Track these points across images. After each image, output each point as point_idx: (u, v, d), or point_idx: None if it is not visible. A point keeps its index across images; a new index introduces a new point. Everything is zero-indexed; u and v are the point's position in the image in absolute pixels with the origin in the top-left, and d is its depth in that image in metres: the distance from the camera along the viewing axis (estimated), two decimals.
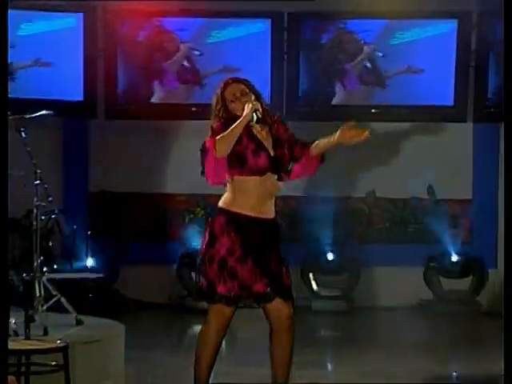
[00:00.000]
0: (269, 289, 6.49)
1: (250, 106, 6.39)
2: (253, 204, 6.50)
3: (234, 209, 6.52)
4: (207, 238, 6.69)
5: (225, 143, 6.38)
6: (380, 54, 12.15)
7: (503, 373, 4.69)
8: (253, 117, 6.39)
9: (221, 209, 6.59)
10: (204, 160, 6.54)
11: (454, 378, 9.12)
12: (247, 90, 6.55)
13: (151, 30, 12.22)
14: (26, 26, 12.06)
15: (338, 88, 12.17)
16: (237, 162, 6.51)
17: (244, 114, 6.38)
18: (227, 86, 6.58)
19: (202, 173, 6.55)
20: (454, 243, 12.08)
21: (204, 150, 6.53)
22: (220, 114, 6.55)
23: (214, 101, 6.60)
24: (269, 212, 6.54)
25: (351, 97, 12.17)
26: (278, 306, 6.52)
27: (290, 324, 6.58)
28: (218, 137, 6.36)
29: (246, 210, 6.49)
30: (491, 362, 9.53)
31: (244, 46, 12.28)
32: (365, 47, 12.16)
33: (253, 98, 6.51)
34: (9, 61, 11.56)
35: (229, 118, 6.47)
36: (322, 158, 6.60)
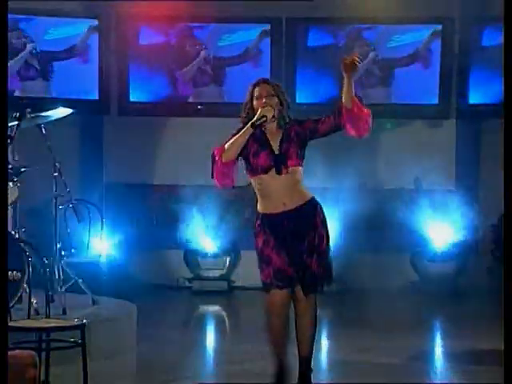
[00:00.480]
0: (295, 273, 6.50)
1: (259, 111, 6.43)
2: (273, 202, 6.54)
3: (262, 210, 6.60)
4: (255, 239, 6.66)
5: (230, 150, 6.45)
6: (377, 57, 12.19)
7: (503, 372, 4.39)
8: (260, 121, 6.40)
9: (257, 212, 6.65)
10: (213, 165, 6.55)
11: (437, 353, 9.16)
12: (273, 92, 6.54)
13: (160, 33, 12.22)
14: (41, 28, 12.07)
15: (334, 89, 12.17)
16: (245, 164, 6.61)
17: (254, 119, 6.41)
18: (256, 86, 6.61)
19: (212, 176, 6.57)
20: (439, 230, 12.12)
21: (213, 157, 6.54)
22: (246, 110, 6.57)
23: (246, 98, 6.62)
24: (294, 202, 6.50)
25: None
26: (299, 291, 6.54)
27: (307, 308, 6.60)
28: (226, 145, 6.43)
29: (269, 209, 6.55)
30: (472, 337, 9.61)
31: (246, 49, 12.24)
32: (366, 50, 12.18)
33: (276, 100, 6.51)
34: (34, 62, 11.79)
35: (253, 114, 6.48)
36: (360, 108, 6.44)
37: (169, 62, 12.25)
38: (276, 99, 6.52)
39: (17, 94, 11.61)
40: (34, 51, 11.96)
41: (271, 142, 6.54)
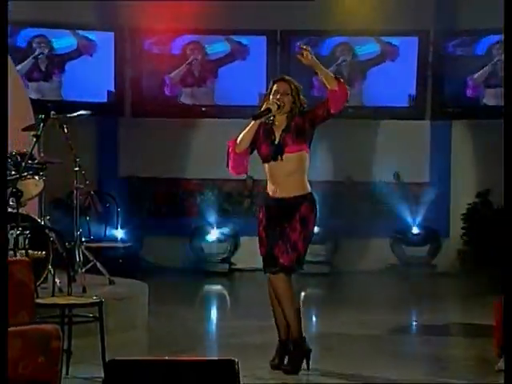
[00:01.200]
0: (270, 258, 6.47)
1: (264, 106, 6.44)
2: (271, 186, 6.54)
3: (267, 189, 6.59)
4: (257, 218, 6.69)
5: (241, 142, 6.47)
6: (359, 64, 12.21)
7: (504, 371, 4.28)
8: (262, 114, 6.43)
9: (265, 192, 6.67)
10: (228, 155, 6.55)
11: (414, 326, 9.14)
12: (288, 91, 6.48)
13: (169, 44, 12.22)
14: (68, 41, 12.08)
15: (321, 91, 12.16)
16: (257, 151, 6.59)
17: (257, 112, 6.46)
18: (276, 82, 6.57)
19: (227, 165, 6.58)
20: (415, 218, 12.15)
21: (228, 148, 6.56)
22: (264, 102, 6.51)
23: None
24: (285, 193, 6.46)
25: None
26: (275, 277, 6.49)
27: (280, 293, 6.48)
28: (238, 138, 6.45)
29: (269, 191, 6.55)
30: (444, 312, 9.67)
31: (247, 59, 12.26)
32: (348, 58, 12.18)
33: (290, 98, 6.45)
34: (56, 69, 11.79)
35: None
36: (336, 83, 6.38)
37: (174, 70, 12.22)
38: (290, 97, 6.47)
39: (40, 96, 11.60)
40: (55, 60, 11.97)
41: (276, 134, 6.52)
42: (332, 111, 6.41)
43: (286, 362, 6.53)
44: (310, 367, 6.50)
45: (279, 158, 6.43)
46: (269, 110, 6.43)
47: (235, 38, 12.25)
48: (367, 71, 12.18)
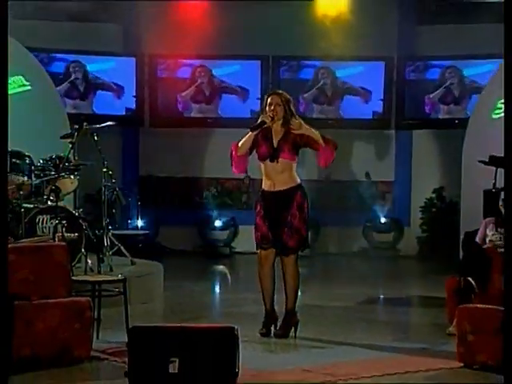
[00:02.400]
0: (275, 242, 6.46)
1: (260, 118, 6.44)
2: (267, 181, 6.50)
3: (262, 187, 6.55)
4: (255, 208, 6.65)
5: (242, 147, 6.47)
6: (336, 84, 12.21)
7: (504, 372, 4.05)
8: (258, 126, 6.41)
9: (260, 189, 6.62)
10: (231, 157, 6.55)
11: (382, 299, 9.19)
12: (280, 102, 6.42)
13: (179, 68, 12.18)
14: (97, 65, 12.08)
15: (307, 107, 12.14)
16: (256, 152, 6.55)
17: (254, 124, 6.45)
18: (270, 95, 6.53)
19: (231, 165, 6.58)
20: (382, 210, 12.14)
21: (231, 151, 6.54)
22: (261, 113, 6.53)
23: None
24: (280, 186, 6.43)
25: (313, 113, 12.12)
26: (287, 259, 6.51)
27: (290, 267, 6.51)
28: (240, 142, 6.45)
29: (265, 186, 6.50)
30: (406, 288, 9.67)
31: (243, 79, 12.20)
32: (326, 79, 12.15)
33: (282, 109, 6.41)
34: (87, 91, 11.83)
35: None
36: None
37: (185, 88, 12.20)
38: (282, 107, 6.41)
39: (76, 111, 11.61)
40: (91, 81, 11.99)
41: (273, 138, 6.48)
42: (322, 167, 6.61)
43: (278, 327, 6.52)
44: (297, 333, 6.52)
45: (275, 160, 6.42)
46: (264, 123, 6.44)
47: (235, 62, 12.19)
48: (345, 90, 12.14)
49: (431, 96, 11.94)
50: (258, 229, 6.51)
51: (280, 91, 6.67)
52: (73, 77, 11.81)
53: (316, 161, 6.63)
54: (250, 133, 6.45)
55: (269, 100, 6.48)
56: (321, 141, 6.39)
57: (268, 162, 6.44)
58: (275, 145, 6.45)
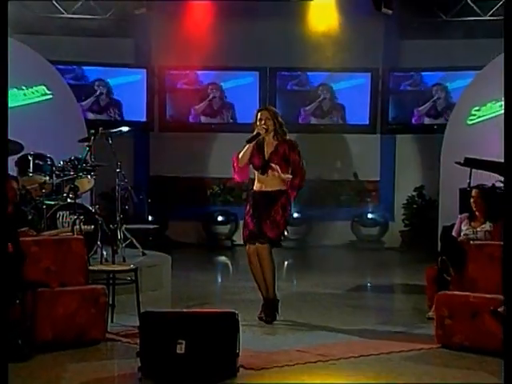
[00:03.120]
0: (256, 234, 6.47)
1: (255, 131, 6.46)
2: (258, 184, 6.54)
3: (254, 188, 6.57)
4: (245, 206, 6.69)
5: (242, 159, 6.50)
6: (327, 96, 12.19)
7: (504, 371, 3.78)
8: (253, 138, 6.44)
9: (251, 189, 6.66)
10: (233, 168, 6.60)
11: (369, 286, 9.19)
12: (269, 117, 6.47)
13: (186, 78, 12.18)
14: (113, 78, 12.10)
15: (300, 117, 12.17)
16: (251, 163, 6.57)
17: (249, 136, 6.47)
18: (259, 111, 6.58)
19: (233, 176, 6.66)
20: (368, 207, 12.13)
21: (232, 163, 6.58)
22: (254, 127, 6.52)
23: None
24: (269, 187, 6.45)
25: (310, 119, 12.11)
26: (258, 245, 6.50)
27: (264, 256, 6.48)
28: (240, 154, 6.47)
29: (256, 187, 6.54)
30: (389, 276, 9.70)
31: (242, 89, 12.18)
32: (327, 96, 12.08)
33: (272, 122, 6.46)
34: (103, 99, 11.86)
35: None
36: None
37: (190, 97, 12.20)
38: (271, 121, 6.46)
39: (92, 117, 11.62)
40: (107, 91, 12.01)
41: (266, 150, 6.50)
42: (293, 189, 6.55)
43: (264, 314, 6.50)
44: (291, 317, 6.52)
45: (265, 174, 6.45)
46: (258, 134, 6.47)
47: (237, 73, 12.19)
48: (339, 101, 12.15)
49: (420, 109, 11.96)
50: (247, 226, 6.54)
51: (268, 106, 6.84)
52: (98, 93, 11.84)
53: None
54: (248, 145, 6.47)
55: (259, 115, 6.52)
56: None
57: (260, 171, 6.49)
58: (267, 157, 6.49)
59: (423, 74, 11.98)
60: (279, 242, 6.65)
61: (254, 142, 6.47)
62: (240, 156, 6.50)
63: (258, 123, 6.49)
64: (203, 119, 12.17)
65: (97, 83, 11.91)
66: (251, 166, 6.59)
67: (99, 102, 11.92)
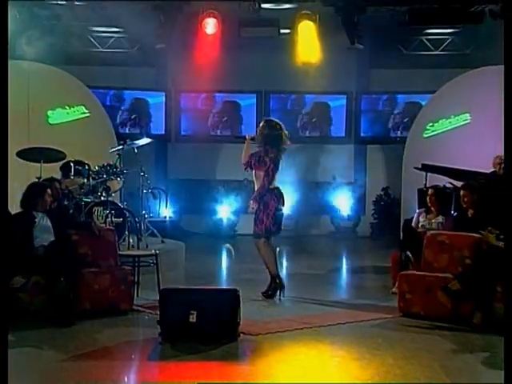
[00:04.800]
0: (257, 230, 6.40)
1: (257, 133, 6.45)
2: (257, 185, 6.45)
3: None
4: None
5: (243, 158, 6.46)
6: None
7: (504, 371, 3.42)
8: (250, 138, 6.48)
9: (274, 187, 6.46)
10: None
11: (345, 268, 9.16)
12: (260, 127, 6.45)
13: (197, 100, 12.18)
14: (139, 99, 12.07)
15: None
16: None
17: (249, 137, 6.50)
18: (261, 122, 6.57)
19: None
20: (345, 204, 12.03)
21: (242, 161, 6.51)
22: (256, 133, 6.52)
23: None
24: (257, 187, 6.40)
25: (298, 132, 12.04)
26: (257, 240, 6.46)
27: (260, 248, 6.42)
28: (242, 156, 6.45)
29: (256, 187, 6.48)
30: (361, 259, 9.67)
31: (244, 108, 12.15)
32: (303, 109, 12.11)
33: (259, 131, 6.42)
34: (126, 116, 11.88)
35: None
36: None
37: (200, 114, 12.19)
38: (260, 130, 6.45)
39: (122, 131, 11.60)
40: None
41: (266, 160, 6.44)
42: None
43: (266, 291, 6.44)
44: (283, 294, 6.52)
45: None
46: (254, 138, 6.47)
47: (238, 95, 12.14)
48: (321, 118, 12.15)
49: (377, 123, 11.98)
50: (263, 222, 6.39)
51: (268, 118, 6.77)
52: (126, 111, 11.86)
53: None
54: (246, 141, 6.46)
55: (260, 124, 6.53)
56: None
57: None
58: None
59: (388, 96, 12.01)
60: (264, 235, 6.38)
61: (247, 144, 6.43)
62: (243, 157, 6.47)
63: (259, 130, 6.49)
64: (211, 132, 12.15)
65: (126, 104, 11.93)
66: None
67: (127, 119, 11.93)
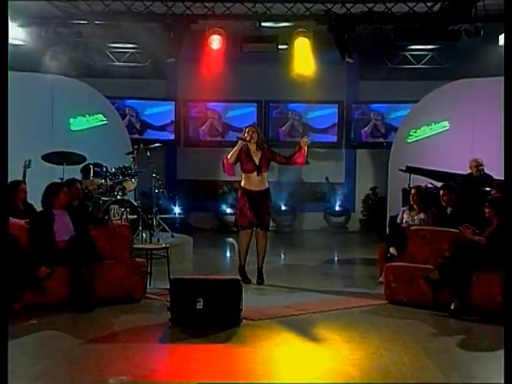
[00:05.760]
0: (256, 222, 6.46)
1: (239, 142, 6.42)
2: (250, 184, 6.45)
3: (244, 186, 6.49)
4: (238, 200, 6.58)
5: (231, 156, 6.40)
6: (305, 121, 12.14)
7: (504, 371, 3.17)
8: (241, 138, 6.42)
9: (241, 186, 6.54)
10: (222, 165, 6.49)
11: (336, 260, 9.13)
12: (255, 131, 6.49)
13: (203, 108, 12.16)
14: (150, 109, 12.02)
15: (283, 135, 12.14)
16: (240, 166, 6.49)
17: (240, 136, 6.46)
18: (247, 127, 6.59)
19: (223, 170, 6.53)
20: (336, 202, 12.06)
21: (222, 161, 6.49)
22: (240, 137, 6.49)
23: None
24: (259, 187, 6.44)
25: (293, 139, 12.05)
26: (258, 230, 6.51)
27: (262, 238, 6.52)
28: (229, 154, 6.39)
29: (248, 186, 6.46)
30: (351, 252, 9.66)
31: (245, 116, 12.11)
32: (296, 117, 12.06)
33: (255, 135, 6.44)
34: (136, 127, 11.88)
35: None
36: (301, 158, 6.38)
37: (206, 121, 12.15)
38: (256, 134, 6.48)
39: (136, 136, 11.59)
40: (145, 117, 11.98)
41: (254, 158, 6.46)
42: (300, 164, 6.55)
43: (257, 279, 6.56)
44: (280, 282, 6.52)
45: (260, 174, 6.44)
46: (244, 138, 6.44)
47: (241, 104, 12.11)
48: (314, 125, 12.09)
49: (365, 129, 11.99)
50: (245, 216, 6.45)
51: (253, 124, 6.92)
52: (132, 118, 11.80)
53: (294, 161, 6.49)
54: (239, 142, 6.41)
55: (247, 129, 6.53)
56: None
57: (253, 174, 6.42)
58: (257, 163, 6.45)
59: (375, 105, 12.00)
60: (268, 227, 6.63)
61: (239, 145, 6.39)
62: (230, 155, 6.42)
63: (245, 134, 6.49)
64: (216, 138, 12.13)
65: (139, 112, 11.92)
66: (241, 169, 6.49)
67: (140, 125, 11.93)
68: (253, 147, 6.47)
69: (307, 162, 6.52)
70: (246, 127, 6.62)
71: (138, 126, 11.96)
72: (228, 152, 6.49)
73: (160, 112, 12.06)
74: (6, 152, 3.30)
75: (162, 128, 12.06)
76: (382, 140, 11.95)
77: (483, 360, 4.19)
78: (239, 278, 5.10)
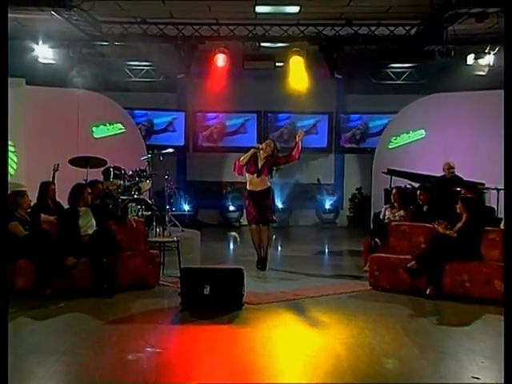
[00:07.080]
0: (259, 218, 6.51)
1: (252, 149, 6.47)
2: (252, 186, 6.50)
3: (248, 188, 6.55)
4: (244, 201, 6.68)
5: (243, 159, 6.47)
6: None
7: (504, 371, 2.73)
8: (256, 148, 6.49)
9: (246, 189, 6.61)
10: (234, 165, 6.56)
11: (327, 251, 9.13)
12: (269, 146, 6.52)
13: (209, 117, 12.07)
14: (162, 117, 12.00)
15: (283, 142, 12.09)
16: (246, 168, 6.54)
17: (256, 146, 6.52)
18: (267, 140, 6.70)
19: (234, 170, 6.59)
20: (327, 201, 12.04)
21: (235, 162, 6.57)
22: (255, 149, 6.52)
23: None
24: (260, 187, 6.48)
25: (288, 145, 11.99)
26: (261, 225, 6.55)
27: (264, 232, 6.56)
28: (242, 157, 6.47)
29: (251, 188, 6.51)
30: (340, 244, 9.63)
31: (246, 125, 12.09)
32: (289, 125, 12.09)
33: (270, 149, 6.48)
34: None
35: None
36: (296, 153, 6.41)
37: (212, 130, 12.13)
38: (269, 148, 6.53)
39: (150, 142, 11.58)
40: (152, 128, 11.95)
41: (258, 162, 6.52)
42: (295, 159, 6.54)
43: (260, 266, 6.62)
44: (277, 271, 6.56)
45: (260, 176, 6.49)
46: (258, 147, 6.50)
47: (243, 114, 12.09)
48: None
49: (347, 135, 12.00)
50: (250, 213, 6.55)
51: (271, 138, 7.04)
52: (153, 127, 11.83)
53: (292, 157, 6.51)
54: (252, 149, 6.47)
55: (266, 141, 6.64)
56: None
57: (254, 176, 6.49)
58: (259, 167, 6.51)
59: (361, 116, 11.99)
60: (271, 223, 6.69)
61: (252, 152, 6.45)
62: (242, 158, 6.50)
63: (264, 145, 6.54)
64: (221, 144, 12.12)
65: (154, 121, 11.93)
66: (246, 170, 6.55)
67: (153, 133, 11.95)
68: (261, 155, 6.55)
69: (298, 158, 6.52)
70: (264, 140, 6.75)
71: (151, 133, 11.97)
72: (241, 156, 6.58)
73: (171, 121, 12.03)
74: (5, 152, 3.19)
75: (173, 135, 12.02)
76: (366, 146, 11.95)
77: (453, 337, 4.22)
78: (242, 267, 5.11)
